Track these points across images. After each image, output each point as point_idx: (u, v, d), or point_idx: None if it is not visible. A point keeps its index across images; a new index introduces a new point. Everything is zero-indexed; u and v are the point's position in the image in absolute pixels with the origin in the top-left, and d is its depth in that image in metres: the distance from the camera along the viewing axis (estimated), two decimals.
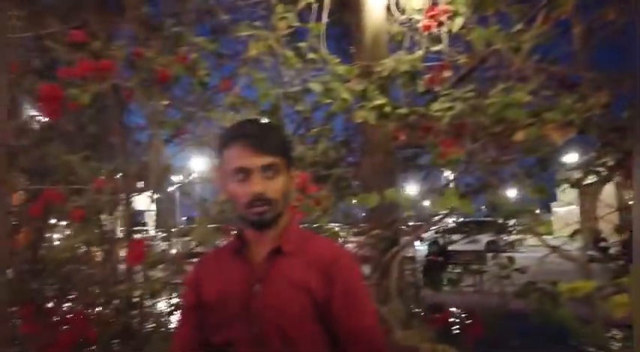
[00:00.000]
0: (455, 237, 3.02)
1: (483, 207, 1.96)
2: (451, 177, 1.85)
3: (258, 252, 1.12)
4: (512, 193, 2.26)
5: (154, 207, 2.29)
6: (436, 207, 1.65)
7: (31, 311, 1.90)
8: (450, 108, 1.70)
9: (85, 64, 1.63)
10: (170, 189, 2.12)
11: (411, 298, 2.18)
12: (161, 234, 2.07)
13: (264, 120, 1.36)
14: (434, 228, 2.98)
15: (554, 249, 1.81)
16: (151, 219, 2.22)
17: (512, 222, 2.32)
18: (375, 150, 2.04)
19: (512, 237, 2.68)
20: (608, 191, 1.93)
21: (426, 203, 2.15)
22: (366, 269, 2.06)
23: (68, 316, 1.91)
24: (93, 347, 1.95)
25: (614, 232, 2.09)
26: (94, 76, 1.61)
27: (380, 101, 1.76)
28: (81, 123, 2.31)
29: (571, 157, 2.92)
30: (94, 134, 2.35)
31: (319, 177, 2.01)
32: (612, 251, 2.28)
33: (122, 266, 2.20)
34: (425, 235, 2.86)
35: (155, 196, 2.03)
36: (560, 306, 1.70)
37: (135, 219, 2.13)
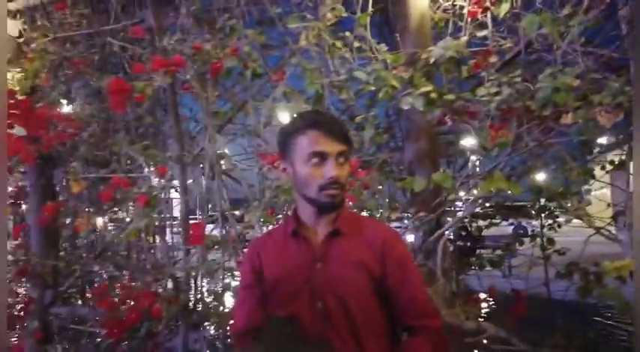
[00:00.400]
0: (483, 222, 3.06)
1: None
2: (493, 162, 1.89)
3: (315, 233, 1.23)
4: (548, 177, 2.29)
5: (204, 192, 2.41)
6: (484, 189, 1.71)
7: (102, 290, 2.05)
8: (497, 93, 1.74)
9: (158, 60, 1.75)
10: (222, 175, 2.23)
11: (452, 279, 2.24)
12: (215, 218, 2.19)
13: (325, 113, 1.44)
14: (466, 212, 3.03)
15: (598, 229, 1.84)
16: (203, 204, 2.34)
17: (546, 205, 2.34)
18: (419, 135, 2.10)
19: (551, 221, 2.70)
20: None
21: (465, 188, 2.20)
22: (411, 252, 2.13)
23: (133, 294, 2.06)
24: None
25: None
26: (162, 70, 1.73)
27: (427, 88, 1.82)
28: (137, 115, 2.44)
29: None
30: (151, 124, 2.48)
31: (365, 161, 2.09)
32: None
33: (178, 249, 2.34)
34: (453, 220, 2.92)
35: (210, 182, 2.15)
36: (604, 286, 1.74)
37: (189, 205, 2.26)
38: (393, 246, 1.21)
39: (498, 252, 2.58)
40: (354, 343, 1.16)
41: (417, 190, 1.89)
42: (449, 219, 2.19)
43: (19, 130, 2.41)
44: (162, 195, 2.18)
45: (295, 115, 1.35)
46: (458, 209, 2.86)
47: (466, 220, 2.97)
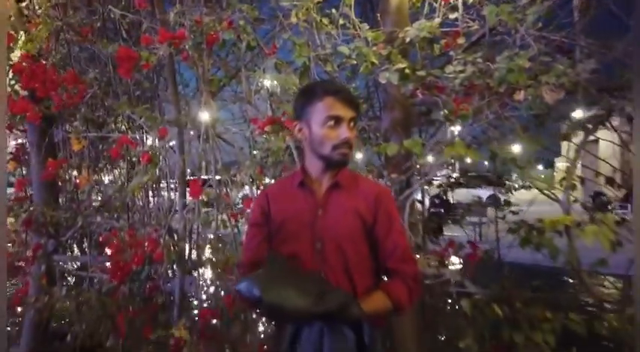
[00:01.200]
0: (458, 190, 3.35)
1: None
2: (459, 131, 2.17)
3: (319, 185, 1.46)
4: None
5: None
6: (446, 154, 1.98)
7: (109, 238, 2.30)
8: (461, 71, 2.00)
9: (164, 34, 1.94)
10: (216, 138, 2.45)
11: (418, 232, 2.55)
12: (209, 177, 2.43)
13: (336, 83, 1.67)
14: (438, 180, 3.30)
15: (541, 191, 2.15)
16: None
17: (514, 176, 2.61)
18: (394, 106, 2.36)
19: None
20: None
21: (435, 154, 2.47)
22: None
23: (138, 241, 2.31)
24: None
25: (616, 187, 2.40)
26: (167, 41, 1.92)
27: (402, 64, 2.06)
28: (136, 80, 2.62)
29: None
30: (149, 89, 2.67)
31: None
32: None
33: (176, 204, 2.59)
34: (428, 188, 3.18)
35: (205, 144, 2.38)
36: (545, 238, 2.06)
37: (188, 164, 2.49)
38: (384, 199, 1.44)
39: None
40: (345, 279, 1.39)
41: (390, 154, 2.16)
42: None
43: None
44: (162, 155, 2.40)
45: (313, 83, 1.57)
46: (436, 178, 3.16)
47: (440, 189, 3.27)
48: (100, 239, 2.56)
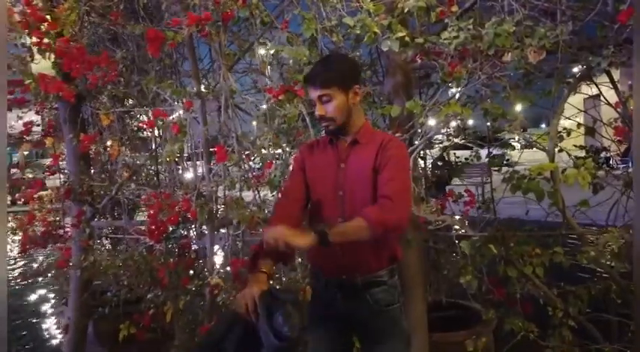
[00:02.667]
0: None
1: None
2: (456, 92, 2.41)
3: (343, 144, 1.75)
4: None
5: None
6: (442, 114, 2.23)
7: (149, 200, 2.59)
8: (455, 37, 2.22)
9: (192, 17, 2.17)
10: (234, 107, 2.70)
11: (422, 186, 2.82)
12: (231, 141, 2.69)
13: (329, 58, 1.90)
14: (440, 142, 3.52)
15: (530, 143, 2.41)
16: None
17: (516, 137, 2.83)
18: (396, 71, 2.59)
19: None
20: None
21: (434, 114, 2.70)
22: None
23: (173, 202, 2.60)
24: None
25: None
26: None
27: (402, 33, 2.28)
28: (159, 57, 2.85)
29: None
30: (169, 65, 2.90)
31: None
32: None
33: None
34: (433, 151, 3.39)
35: (226, 114, 2.63)
36: (532, 183, 2.33)
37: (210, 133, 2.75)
38: (388, 144, 1.68)
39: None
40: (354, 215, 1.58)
41: (393, 115, 2.41)
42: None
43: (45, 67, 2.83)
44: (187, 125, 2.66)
45: None
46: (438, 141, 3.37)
47: (443, 150, 3.47)
48: (141, 202, 2.85)
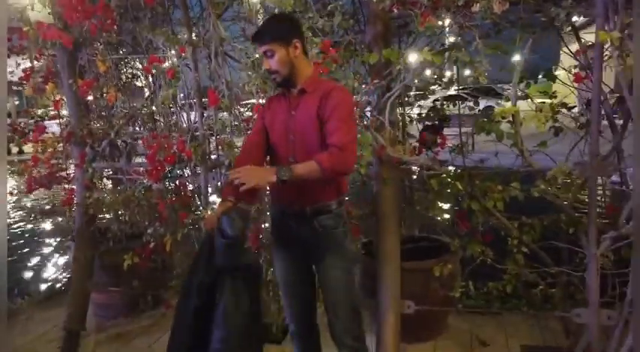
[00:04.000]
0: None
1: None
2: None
3: (293, 94, 2.00)
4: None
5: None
6: (417, 60, 2.44)
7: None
8: None
9: None
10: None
11: (398, 128, 3.05)
12: (221, 87, 2.89)
13: (271, 16, 2.19)
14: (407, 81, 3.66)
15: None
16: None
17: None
18: (375, 21, 2.75)
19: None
20: None
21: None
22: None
23: (169, 143, 2.83)
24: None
25: None
26: None
27: None
28: (151, 6, 2.97)
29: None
30: (161, 13, 3.04)
31: (335, 42, 2.77)
32: None
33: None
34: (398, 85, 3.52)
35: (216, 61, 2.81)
36: (494, 125, 2.58)
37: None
38: (332, 93, 1.91)
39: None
40: (307, 158, 1.84)
41: (371, 63, 2.62)
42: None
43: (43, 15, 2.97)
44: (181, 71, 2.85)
45: None
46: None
47: (437, 102, 3.63)
48: (141, 144, 3.08)
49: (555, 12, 2.31)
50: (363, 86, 2.81)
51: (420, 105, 3.48)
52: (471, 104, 3.53)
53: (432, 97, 3.41)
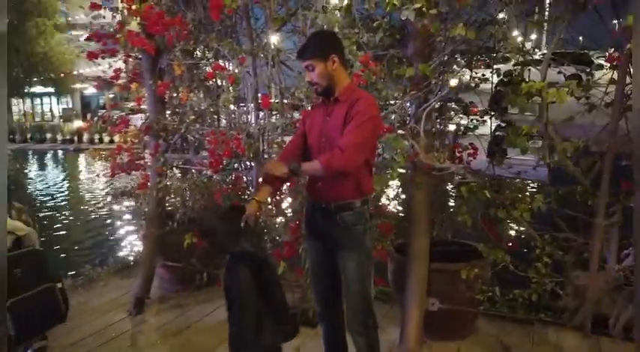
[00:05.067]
0: None
1: None
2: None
3: (330, 102, 2.30)
4: None
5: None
6: (451, 33, 2.62)
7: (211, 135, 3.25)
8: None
9: None
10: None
11: (433, 136, 3.22)
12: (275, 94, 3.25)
13: (314, 34, 2.48)
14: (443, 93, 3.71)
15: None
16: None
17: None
18: (415, 37, 2.99)
19: None
20: None
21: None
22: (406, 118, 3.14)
23: (226, 140, 3.24)
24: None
25: None
26: None
27: (418, 4, 2.68)
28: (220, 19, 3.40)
29: None
30: (229, 26, 3.47)
31: (377, 56, 3.03)
32: None
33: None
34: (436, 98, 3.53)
35: (272, 69, 3.18)
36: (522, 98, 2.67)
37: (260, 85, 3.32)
38: (357, 103, 2.17)
39: None
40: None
41: (407, 76, 2.85)
42: None
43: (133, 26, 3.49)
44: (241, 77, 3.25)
45: None
46: None
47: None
48: (205, 138, 3.54)
49: None
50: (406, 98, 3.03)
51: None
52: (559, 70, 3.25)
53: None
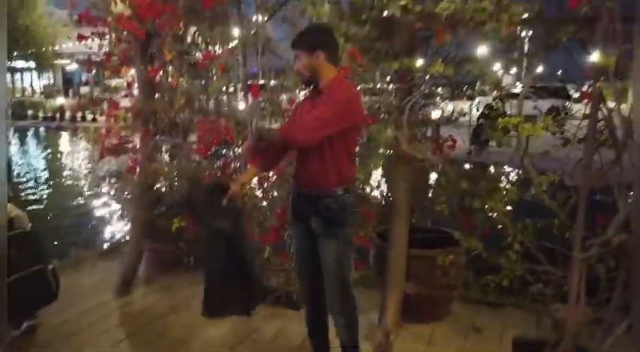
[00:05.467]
0: None
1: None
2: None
3: (316, 92, 2.39)
4: None
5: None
6: (430, 71, 2.77)
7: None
8: (447, 8, 2.70)
9: None
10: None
11: (416, 127, 3.35)
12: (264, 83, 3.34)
13: (309, 26, 2.63)
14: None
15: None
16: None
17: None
18: (401, 31, 3.09)
19: None
20: None
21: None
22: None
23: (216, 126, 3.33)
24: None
25: None
26: None
27: (404, 1, 2.78)
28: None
29: None
30: (220, 13, 3.52)
31: (364, 49, 3.13)
32: None
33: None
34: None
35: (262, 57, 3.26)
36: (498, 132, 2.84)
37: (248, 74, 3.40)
38: (334, 89, 2.34)
39: None
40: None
41: (392, 69, 2.96)
42: None
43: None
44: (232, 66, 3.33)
45: None
46: None
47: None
48: (195, 123, 3.61)
49: (558, 37, 2.56)
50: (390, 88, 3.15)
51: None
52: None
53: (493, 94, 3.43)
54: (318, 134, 2.26)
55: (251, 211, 3.46)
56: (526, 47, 3.15)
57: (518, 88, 3.56)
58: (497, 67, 3.02)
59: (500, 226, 3.07)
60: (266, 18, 3.26)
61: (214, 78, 3.38)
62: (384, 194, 3.51)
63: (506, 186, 2.96)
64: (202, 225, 2.51)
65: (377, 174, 3.70)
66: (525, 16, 2.57)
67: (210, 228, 2.45)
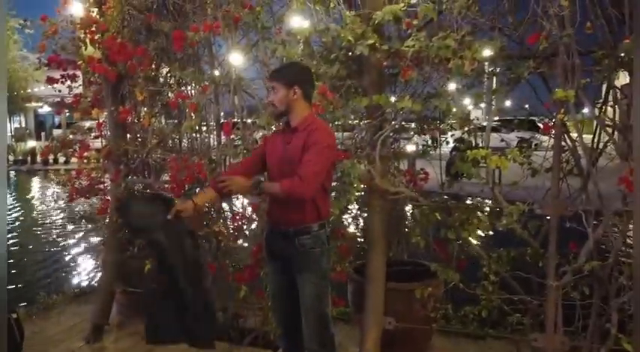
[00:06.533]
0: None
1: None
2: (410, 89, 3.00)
3: (289, 130, 2.40)
4: None
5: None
6: (398, 106, 2.83)
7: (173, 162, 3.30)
8: (412, 46, 2.80)
9: (206, 25, 2.83)
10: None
11: (388, 163, 3.41)
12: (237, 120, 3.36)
13: (290, 62, 2.63)
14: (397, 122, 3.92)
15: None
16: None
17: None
18: (370, 69, 3.18)
19: None
20: None
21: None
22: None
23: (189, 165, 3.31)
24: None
25: None
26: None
27: (372, 40, 2.87)
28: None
29: None
30: (192, 55, 3.57)
31: (334, 86, 3.20)
32: None
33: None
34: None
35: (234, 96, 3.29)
36: (467, 165, 2.91)
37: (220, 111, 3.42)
38: (314, 133, 2.32)
39: None
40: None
41: (362, 105, 3.03)
42: None
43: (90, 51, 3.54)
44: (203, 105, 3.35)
45: None
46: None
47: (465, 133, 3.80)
48: (167, 163, 3.58)
49: (520, 71, 2.67)
50: (362, 124, 3.20)
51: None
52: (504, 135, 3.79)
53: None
54: (318, 185, 2.31)
55: (225, 251, 3.40)
56: (494, 82, 3.27)
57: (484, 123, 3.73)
58: (467, 101, 3.10)
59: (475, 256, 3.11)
60: (239, 60, 3.29)
61: (186, 117, 3.37)
62: (360, 228, 3.50)
63: (480, 217, 2.97)
64: (137, 234, 2.45)
65: (353, 209, 3.71)
66: (488, 52, 2.67)
67: (146, 238, 2.43)
